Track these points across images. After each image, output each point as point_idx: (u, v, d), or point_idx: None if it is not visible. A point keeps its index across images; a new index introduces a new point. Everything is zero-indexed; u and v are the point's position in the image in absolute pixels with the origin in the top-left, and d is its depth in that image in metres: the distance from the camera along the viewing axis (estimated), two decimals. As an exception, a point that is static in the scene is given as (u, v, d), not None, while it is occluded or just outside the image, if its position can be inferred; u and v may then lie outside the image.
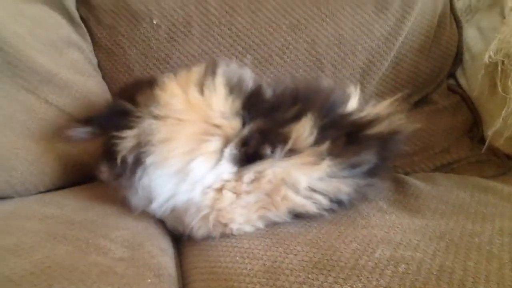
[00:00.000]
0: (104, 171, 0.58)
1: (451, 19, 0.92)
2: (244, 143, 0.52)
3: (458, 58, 0.92)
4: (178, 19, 0.82)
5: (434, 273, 0.39)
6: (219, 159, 0.52)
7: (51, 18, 0.79)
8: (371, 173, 0.55)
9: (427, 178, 0.71)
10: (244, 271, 0.45)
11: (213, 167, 0.52)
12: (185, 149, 0.51)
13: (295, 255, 0.46)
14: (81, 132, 0.58)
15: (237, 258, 0.48)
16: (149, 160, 0.51)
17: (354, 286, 0.39)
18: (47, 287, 0.38)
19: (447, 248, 0.44)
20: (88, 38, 0.84)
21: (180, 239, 0.58)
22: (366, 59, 0.85)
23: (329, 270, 0.42)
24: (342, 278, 0.40)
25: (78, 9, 0.84)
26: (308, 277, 0.41)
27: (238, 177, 0.52)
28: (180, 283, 0.50)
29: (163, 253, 0.52)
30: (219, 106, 0.53)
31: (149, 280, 0.44)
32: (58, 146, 0.69)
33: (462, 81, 0.92)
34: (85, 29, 0.84)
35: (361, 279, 0.40)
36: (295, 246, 0.48)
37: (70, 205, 0.58)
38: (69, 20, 0.82)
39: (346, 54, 0.84)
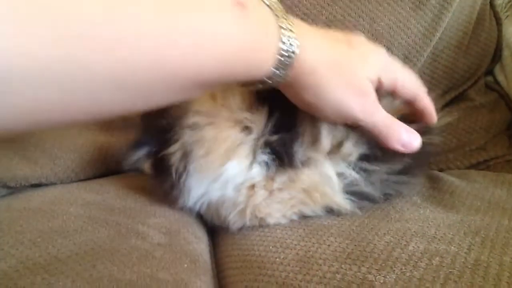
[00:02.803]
0: (155, 184, 0.59)
1: (491, 15, 0.90)
2: (272, 143, 0.52)
3: (497, 55, 0.90)
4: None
5: (469, 267, 0.39)
6: (251, 164, 0.52)
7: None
8: (405, 171, 0.55)
9: (462, 175, 0.71)
10: (277, 259, 0.46)
11: (245, 170, 0.52)
12: (220, 153, 0.52)
13: (328, 245, 0.46)
14: (135, 159, 0.57)
15: (271, 247, 0.49)
16: (192, 166, 0.52)
17: (388, 277, 0.39)
18: (91, 267, 0.40)
19: (482, 243, 0.44)
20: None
21: (214, 229, 0.60)
22: (402, 55, 0.84)
23: (362, 261, 0.42)
24: (376, 269, 0.41)
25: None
26: (342, 267, 0.42)
27: (270, 178, 0.53)
28: (214, 270, 0.51)
29: (198, 240, 0.53)
30: (242, 102, 0.53)
31: (186, 265, 0.46)
32: (99, 136, 0.72)
33: (500, 78, 0.91)
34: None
35: (394, 270, 0.40)
36: (328, 237, 0.48)
37: (110, 193, 0.61)
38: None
39: (382, 49, 0.84)
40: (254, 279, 0.45)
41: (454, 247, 0.43)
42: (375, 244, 0.45)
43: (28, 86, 0.26)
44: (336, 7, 0.83)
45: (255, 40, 0.38)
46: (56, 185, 0.66)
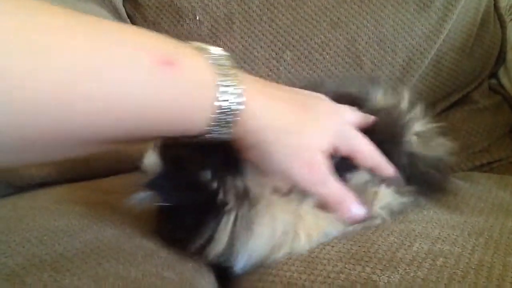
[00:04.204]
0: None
1: (495, 18, 0.91)
2: None
3: (501, 58, 0.90)
4: (220, 16, 0.84)
5: (473, 268, 0.39)
6: None
7: (99, 14, 0.82)
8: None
9: (466, 177, 0.71)
10: (281, 259, 0.46)
11: None
12: None
13: (332, 246, 0.47)
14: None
15: (275, 247, 0.49)
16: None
17: (392, 277, 0.39)
18: (97, 265, 0.40)
19: (486, 244, 0.44)
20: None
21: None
22: (406, 57, 0.84)
23: (366, 261, 0.42)
24: (380, 269, 0.41)
25: (124, 6, 0.87)
26: (346, 267, 0.42)
27: None
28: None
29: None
30: None
31: (191, 264, 0.46)
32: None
33: (504, 81, 0.91)
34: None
35: (398, 270, 0.40)
36: (332, 238, 0.49)
37: (114, 192, 0.61)
38: (115, 16, 0.85)
39: (386, 51, 0.84)
40: (258, 279, 0.45)
41: (458, 248, 0.43)
42: (379, 244, 0.45)
43: None
44: (341, 9, 0.84)
45: (185, 98, 0.37)
46: (61, 185, 0.66)
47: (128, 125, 0.35)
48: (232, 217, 0.43)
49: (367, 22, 0.84)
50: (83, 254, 0.41)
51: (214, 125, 0.39)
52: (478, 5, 0.89)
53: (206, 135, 0.40)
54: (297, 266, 0.44)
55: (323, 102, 0.50)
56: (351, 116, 0.50)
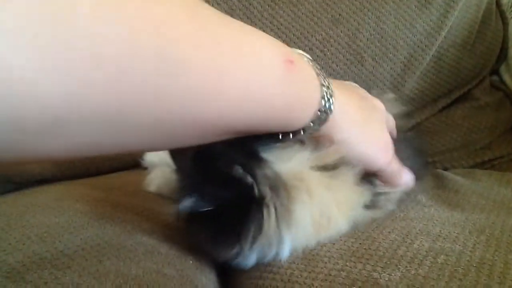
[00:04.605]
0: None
1: (497, 15, 0.90)
2: None
3: (502, 54, 0.90)
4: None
5: (474, 265, 0.39)
6: None
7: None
8: None
9: (467, 174, 0.71)
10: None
11: None
12: None
13: (333, 244, 0.47)
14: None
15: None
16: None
17: (393, 274, 0.39)
18: (97, 262, 0.40)
19: (487, 242, 0.44)
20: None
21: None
22: (408, 54, 0.84)
23: (367, 259, 0.42)
24: (381, 267, 0.41)
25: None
26: (346, 265, 0.42)
27: None
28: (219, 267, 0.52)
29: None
30: None
31: (191, 261, 0.46)
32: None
33: (506, 77, 0.91)
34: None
35: (399, 268, 0.40)
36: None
37: (115, 189, 0.61)
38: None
39: (387, 48, 0.84)
40: (259, 277, 0.45)
41: (459, 245, 0.43)
42: (380, 242, 0.45)
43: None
44: (342, 5, 0.83)
45: (299, 97, 0.39)
46: (61, 182, 0.66)
47: (252, 118, 0.36)
48: (272, 209, 0.43)
49: (368, 18, 0.83)
50: (83, 251, 0.41)
51: (314, 122, 0.42)
52: (479, 1, 0.88)
53: (302, 130, 0.42)
54: (297, 264, 0.44)
55: (366, 95, 0.53)
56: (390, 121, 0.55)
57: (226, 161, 0.42)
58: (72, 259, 0.39)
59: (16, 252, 0.40)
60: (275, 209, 0.43)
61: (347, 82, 0.54)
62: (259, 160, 0.43)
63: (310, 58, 0.43)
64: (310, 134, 0.43)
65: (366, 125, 0.48)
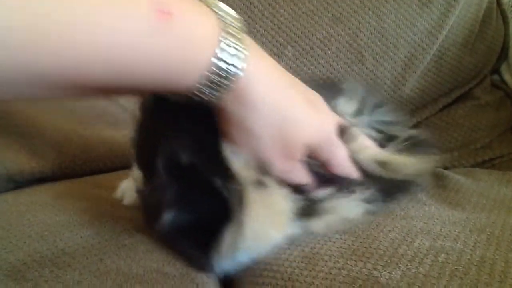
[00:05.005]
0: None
1: (497, 13, 0.90)
2: None
3: (503, 54, 0.90)
4: (221, 11, 0.84)
5: (475, 264, 0.39)
6: None
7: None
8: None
9: (468, 173, 0.70)
10: (283, 255, 0.46)
11: None
12: None
13: (334, 242, 0.47)
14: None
15: (276, 244, 0.49)
16: None
17: (393, 273, 0.39)
18: (98, 260, 0.40)
19: (488, 241, 0.44)
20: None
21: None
22: (408, 53, 0.84)
23: (368, 257, 0.42)
24: (381, 265, 0.41)
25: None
26: (347, 263, 0.42)
27: None
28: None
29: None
30: None
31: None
32: (105, 132, 0.72)
33: (506, 77, 0.91)
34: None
35: (400, 266, 0.40)
36: (333, 234, 0.48)
37: (116, 189, 0.61)
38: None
39: (388, 47, 0.84)
40: (259, 275, 0.45)
41: (460, 244, 0.43)
42: (380, 241, 0.45)
43: None
44: (343, 4, 0.83)
45: (176, 54, 0.35)
46: (62, 180, 0.66)
47: (117, 70, 0.34)
48: (236, 220, 0.42)
49: (369, 17, 0.83)
50: (84, 250, 0.41)
51: (204, 85, 0.37)
52: (480, 0, 0.88)
53: (194, 94, 0.38)
54: (298, 262, 0.44)
55: (323, 103, 0.49)
56: (340, 125, 0.50)
57: (206, 172, 0.41)
58: (72, 257, 0.40)
59: (17, 250, 0.40)
60: (236, 221, 0.42)
61: (302, 84, 0.48)
62: (229, 171, 0.42)
63: (235, 15, 0.39)
64: (208, 100, 0.39)
65: (285, 118, 0.42)
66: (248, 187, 0.43)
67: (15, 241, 0.42)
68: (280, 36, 0.83)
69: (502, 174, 0.70)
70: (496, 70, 0.93)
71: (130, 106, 0.78)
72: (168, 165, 0.40)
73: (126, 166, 0.73)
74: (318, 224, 0.48)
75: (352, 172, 0.49)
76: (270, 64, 0.43)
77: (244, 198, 0.42)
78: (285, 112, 0.42)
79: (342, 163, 0.49)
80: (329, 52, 0.83)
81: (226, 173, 0.41)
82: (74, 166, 0.68)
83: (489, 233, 0.46)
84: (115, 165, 0.73)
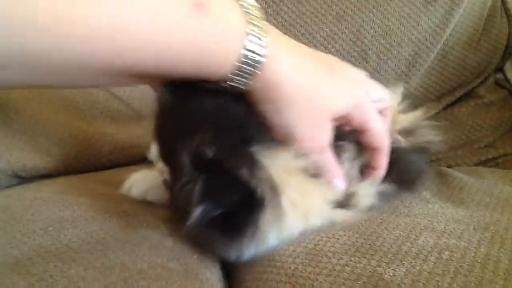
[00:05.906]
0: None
1: (502, 12, 0.90)
2: None
3: (507, 52, 0.90)
4: (225, 8, 0.84)
5: (479, 261, 0.39)
6: None
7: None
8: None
9: (471, 172, 0.70)
10: (286, 252, 0.46)
11: None
12: None
13: (337, 239, 0.47)
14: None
15: (280, 241, 0.49)
16: None
17: (397, 270, 0.39)
18: (102, 256, 0.40)
19: (492, 239, 0.44)
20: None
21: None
22: (412, 51, 0.84)
23: (372, 254, 0.42)
24: (385, 262, 0.41)
25: None
26: (351, 260, 0.42)
27: None
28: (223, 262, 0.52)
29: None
30: None
31: (196, 256, 0.46)
32: (109, 128, 0.72)
33: (510, 75, 0.90)
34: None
35: (404, 263, 0.40)
36: (337, 231, 0.48)
37: (119, 184, 0.61)
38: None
39: (392, 45, 0.83)
40: (263, 271, 0.45)
41: (464, 242, 0.43)
42: (384, 238, 0.45)
43: None
44: (347, 2, 0.83)
45: (209, 43, 0.38)
46: (66, 176, 0.66)
47: (162, 53, 0.37)
48: (269, 207, 0.43)
49: (373, 15, 0.83)
50: (88, 245, 0.41)
51: (236, 74, 0.40)
52: (485, -1, 0.88)
53: (226, 83, 0.41)
54: (302, 259, 0.44)
55: (350, 68, 0.50)
56: (376, 93, 0.51)
57: (232, 165, 0.42)
58: (77, 252, 0.40)
59: (21, 245, 0.40)
60: (271, 207, 0.44)
61: (322, 54, 0.50)
62: (257, 162, 0.43)
63: (255, 4, 0.42)
64: (240, 88, 0.42)
65: (312, 93, 0.44)
66: (281, 175, 0.44)
67: (20, 236, 0.42)
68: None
69: (506, 173, 0.70)
70: (500, 69, 0.92)
71: (133, 102, 0.79)
72: (194, 161, 0.41)
73: (130, 163, 0.73)
74: (347, 215, 0.51)
75: (384, 138, 0.50)
76: (290, 45, 0.45)
77: (278, 186, 0.44)
78: (311, 86, 0.44)
79: (377, 133, 0.49)
80: (333, 50, 0.83)
81: (252, 163, 0.43)
82: (78, 162, 0.68)
83: (493, 231, 0.46)
84: (119, 161, 0.73)
